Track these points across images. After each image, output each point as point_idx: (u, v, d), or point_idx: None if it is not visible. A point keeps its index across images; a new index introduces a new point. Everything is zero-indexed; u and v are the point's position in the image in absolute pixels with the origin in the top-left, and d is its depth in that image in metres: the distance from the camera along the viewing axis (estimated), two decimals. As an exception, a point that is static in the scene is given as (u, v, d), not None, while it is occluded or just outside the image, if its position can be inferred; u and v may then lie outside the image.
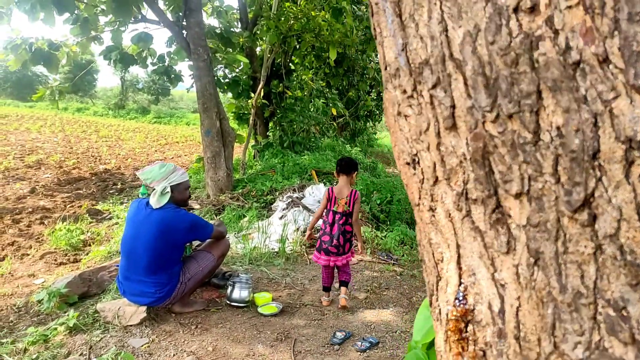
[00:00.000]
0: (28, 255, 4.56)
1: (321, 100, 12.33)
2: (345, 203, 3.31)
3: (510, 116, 0.45)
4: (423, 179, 0.55)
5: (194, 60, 6.95)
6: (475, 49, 0.47)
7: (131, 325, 2.86)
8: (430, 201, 0.54)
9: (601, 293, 0.42)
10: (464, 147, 0.49)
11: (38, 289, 3.73)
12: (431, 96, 0.51)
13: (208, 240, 3.31)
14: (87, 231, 5.24)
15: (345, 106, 14.03)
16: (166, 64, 9.41)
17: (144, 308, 2.92)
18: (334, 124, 13.86)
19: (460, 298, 0.51)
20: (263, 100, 9.85)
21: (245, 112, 10.64)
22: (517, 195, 0.46)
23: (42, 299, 3.13)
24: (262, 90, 9.29)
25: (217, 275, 3.67)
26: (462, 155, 0.49)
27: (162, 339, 2.76)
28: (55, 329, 2.82)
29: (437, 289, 0.57)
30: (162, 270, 2.89)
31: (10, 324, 3.07)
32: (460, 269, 0.52)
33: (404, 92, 0.54)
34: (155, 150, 14.24)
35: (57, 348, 2.63)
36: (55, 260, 4.38)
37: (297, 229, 5.13)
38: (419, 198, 0.56)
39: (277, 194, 6.57)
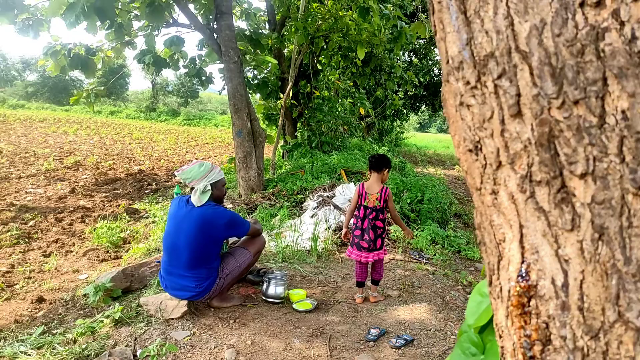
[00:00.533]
0: (72, 252, 4.76)
1: (348, 100, 12.36)
2: (376, 199, 3.35)
3: (576, 102, 0.48)
4: (486, 164, 0.58)
5: (225, 62, 7.09)
6: (542, 41, 0.50)
7: (173, 319, 2.96)
8: (493, 185, 0.58)
9: None
10: (528, 133, 0.52)
11: (82, 283, 3.90)
12: (496, 86, 0.54)
13: (244, 238, 3.40)
14: (126, 229, 5.43)
15: (373, 106, 14.02)
16: (197, 66, 9.62)
17: (185, 302, 3.02)
18: (362, 123, 13.87)
19: (523, 274, 0.55)
20: (292, 101, 9.95)
21: (274, 112, 10.77)
22: (582, 176, 0.49)
23: (89, 293, 3.28)
24: (291, 90, 9.39)
25: (253, 272, 3.76)
26: (527, 140, 0.52)
27: (202, 332, 2.85)
28: (102, 321, 2.95)
29: (498, 268, 0.60)
30: (202, 265, 2.99)
31: (60, 316, 3.23)
32: (522, 247, 0.55)
33: (467, 83, 0.58)
34: (186, 152, 14.56)
35: (104, 339, 2.75)
36: (97, 256, 4.56)
37: (329, 228, 5.18)
38: (481, 182, 0.60)
39: (307, 193, 6.64)
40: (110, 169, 10.05)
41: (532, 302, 0.54)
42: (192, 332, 2.84)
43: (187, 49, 9.56)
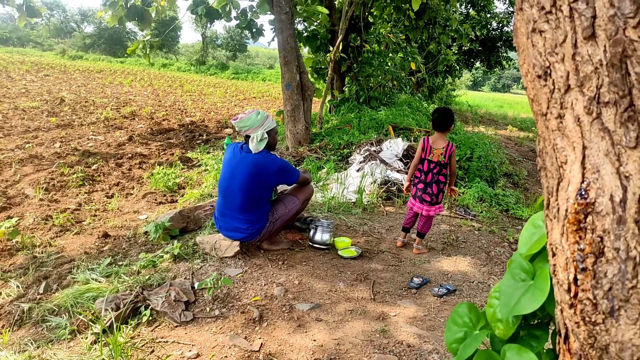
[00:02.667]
0: (131, 194, 5.08)
1: (399, 55, 12.01)
2: (441, 154, 3.36)
3: None
4: (554, 89, 0.60)
5: (276, 14, 7.03)
6: (621, -38, 0.51)
7: (226, 257, 3.16)
8: (560, 109, 0.60)
9: None
10: (600, 54, 0.53)
11: (143, 223, 4.19)
12: (571, 9, 0.55)
13: (294, 186, 3.51)
14: (180, 176, 5.70)
15: (424, 61, 13.56)
16: (248, 18, 9.59)
17: (237, 243, 3.20)
18: (412, 79, 13.50)
19: (583, 193, 0.57)
20: (341, 54, 9.80)
21: (323, 66, 10.67)
22: None
23: (149, 231, 3.53)
24: (340, 44, 9.23)
25: (300, 220, 3.89)
26: (599, 62, 0.54)
27: (253, 271, 3.03)
28: (162, 256, 3.19)
29: (557, 190, 0.63)
30: (254, 209, 3.13)
31: (124, 250, 3.51)
32: (584, 168, 0.58)
33: (542, 8, 0.59)
34: (235, 105, 14.80)
35: (164, 272, 2.98)
36: (155, 199, 4.85)
37: (374, 181, 5.22)
38: (547, 108, 0.62)
39: (354, 147, 6.66)
40: (163, 120, 10.42)
41: (589, 218, 0.57)
42: (244, 270, 3.03)
43: (238, 0, 9.54)
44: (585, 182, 0.58)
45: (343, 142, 6.93)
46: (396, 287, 3.02)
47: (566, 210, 0.61)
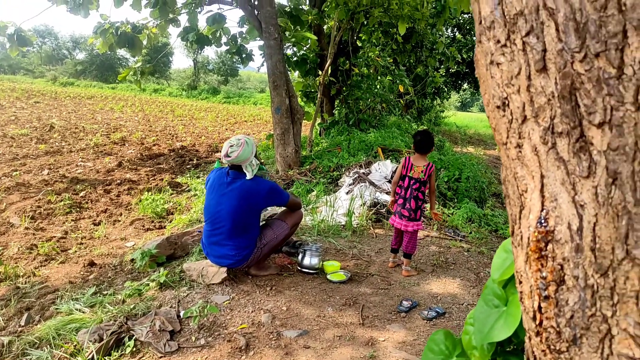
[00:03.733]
0: (119, 221, 5.04)
1: (388, 77, 12.19)
2: (421, 171, 3.47)
3: (597, 55, 0.50)
4: (512, 119, 0.61)
5: (265, 39, 7.14)
6: (567, -1, 0.53)
7: (213, 284, 3.12)
8: (518, 138, 0.61)
9: None
10: (552, 86, 0.55)
11: (129, 250, 4.14)
12: (524, 43, 0.57)
13: (283, 210, 3.49)
14: (169, 201, 5.67)
15: (413, 83, 13.77)
16: (238, 43, 9.72)
17: (224, 269, 3.17)
18: (400, 101, 13.67)
19: (542, 221, 0.58)
20: (330, 78, 9.92)
21: (312, 90, 10.77)
22: (600, 125, 0.52)
23: (136, 258, 3.49)
24: (329, 67, 9.36)
25: (289, 244, 3.87)
26: (551, 93, 0.55)
27: (241, 297, 2.99)
28: (148, 284, 3.14)
29: (519, 218, 0.64)
30: (242, 235, 3.11)
31: (109, 279, 3.45)
32: (543, 196, 0.59)
33: (498, 42, 0.61)
34: (226, 129, 14.85)
35: (150, 301, 2.93)
36: (143, 226, 4.81)
37: (364, 204, 5.22)
38: (507, 137, 0.63)
39: (343, 170, 6.68)
40: (154, 145, 10.42)
41: (549, 246, 0.58)
42: (231, 296, 2.99)
43: (228, 26, 9.69)
44: (544, 211, 0.58)
45: (333, 164, 6.96)
46: (385, 310, 2.99)
47: (528, 238, 0.61)
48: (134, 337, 2.45)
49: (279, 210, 3.83)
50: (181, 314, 2.74)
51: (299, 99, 10.01)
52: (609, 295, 0.52)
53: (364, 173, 6.09)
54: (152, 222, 4.95)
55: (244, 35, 9.37)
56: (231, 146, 3.04)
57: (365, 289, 3.31)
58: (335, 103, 10.78)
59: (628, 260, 0.50)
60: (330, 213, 4.90)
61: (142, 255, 3.43)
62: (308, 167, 7.12)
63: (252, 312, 2.81)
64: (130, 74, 9.95)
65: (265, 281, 3.28)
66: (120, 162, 8.02)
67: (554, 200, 0.57)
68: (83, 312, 2.80)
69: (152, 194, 5.74)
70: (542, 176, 0.58)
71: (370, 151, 7.81)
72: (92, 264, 3.77)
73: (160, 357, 2.34)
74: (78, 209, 5.35)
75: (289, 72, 8.74)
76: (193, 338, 2.52)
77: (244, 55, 9.69)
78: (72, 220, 4.96)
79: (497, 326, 0.78)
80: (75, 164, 7.72)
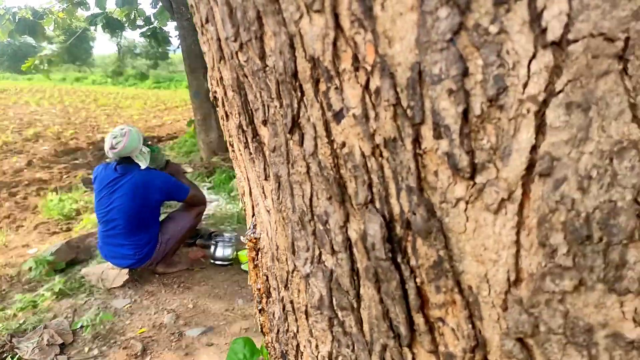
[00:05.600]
0: (23, 226, 4.66)
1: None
2: None
3: (246, 44, 0.43)
4: (222, 115, 0.54)
5: (178, 20, 6.77)
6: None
7: (115, 288, 2.95)
8: (229, 137, 0.54)
9: (315, 209, 0.43)
10: (230, 78, 0.48)
11: (31, 258, 3.84)
12: (205, 31, 0.49)
13: (183, 205, 3.33)
14: (81, 200, 5.32)
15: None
16: (153, 25, 9.20)
17: (126, 271, 3.00)
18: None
19: (252, 228, 0.53)
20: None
21: (238, 71, 10.47)
22: (264, 122, 0.47)
23: (31, 267, 3.22)
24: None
25: (204, 236, 3.73)
26: (230, 86, 0.48)
27: (144, 299, 2.84)
28: (43, 295, 2.92)
29: (246, 222, 0.58)
30: (139, 231, 2.93)
31: (3, 292, 3.17)
32: (252, 200, 0.53)
33: (195, 28, 0.53)
34: (154, 116, 14.19)
35: (44, 312, 2.72)
36: (49, 230, 4.47)
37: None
38: (229, 136, 0.56)
39: (269, 152, 6.56)
40: (71, 139, 9.76)
41: (259, 255, 0.52)
42: (133, 299, 2.83)
43: (143, 8, 9.12)
44: (254, 216, 0.52)
45: (258, 148, 6.81)
46: (297, 296, 2.96)
47: (247, 244, 0.55)
48: (17, 356, 2.26)
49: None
50: (77, 325, 2.56)
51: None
52: (292, 310, 0.47)
53: (287, 155, 6.00)
54: (59, 224, 4.62)
55: (157, 17, 8.87)
56: (115, 137, 2.83)
57: (280, 276, 3.26)
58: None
59: (296, 272, 0.46)
60: (251, 199, 4.79)
61: (37, 264, 3.18)
62: (233, 152, 6.93)
63: (154, 313, 2.68)
64: (37, 63, 9.18)
65: (174, 278, 3.14)
66: (30, 161, 7.43)
67: (257, 205, 0.51)
68: (-35, 334, 2.55)
69: (59, 194, 5.35)
70: (247, 178, 0.52)
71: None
72: (-16, 277, 3.45)
73: (45, 375, 2.18)
74: (-24, 217, 4.89)
75: (208, 54, 8.41)
76: (86, 349, 2.36)
77: (160, 38, 9.20)
78: (-31, 230, 4.52)
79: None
80: (-22, 167, 7.07)
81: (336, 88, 0.40)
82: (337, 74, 0.40)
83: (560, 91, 0.33)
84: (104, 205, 2.92)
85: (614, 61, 0.32)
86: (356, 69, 0.40)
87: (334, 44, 0.40)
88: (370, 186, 0.41)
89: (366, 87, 0.40)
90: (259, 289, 0.52)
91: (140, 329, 2.52)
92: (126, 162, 2.91)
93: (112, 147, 2.82)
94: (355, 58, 0.39)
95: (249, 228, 0.52)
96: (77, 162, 7.67)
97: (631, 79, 0.32)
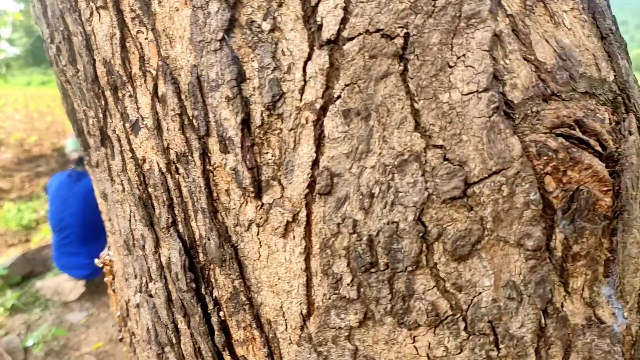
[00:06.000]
0: (-21, 239, 4.48)
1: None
2: None
3: (58, 45, 0.42)
4: None
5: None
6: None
7: (71, 301, 2.84)
8: None
9: (134, 232, 0.39)
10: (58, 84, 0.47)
11: (-13, 272, 3.69)
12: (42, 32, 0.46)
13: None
14: (40, 209, 5.14)
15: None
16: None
17: (82, 283, 2.90)
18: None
19: (108, 249, 0.50)
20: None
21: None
22: (89, 134, 0.43)
23: (-17, 283, 3.09)
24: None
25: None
26: (61, 94, 0.46)
27: (102, 312, 2.75)
28: (-5, 311, 2.80)
29: None
30: (95, 239, 2.83)
31: (-46, 311, 3.04)
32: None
33: None
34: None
35: (-4, 330, 2.61)
36: (6, 242, 4.31)
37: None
38: None
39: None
40: (35, 146, 9.46)
41: (115, 279, 0.49)
42: (90, 312, 2.74)
43: None
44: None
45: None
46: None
47: None
48: (-37, 381, 2.15)
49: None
50: (28, 343, 2.46)
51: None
52: (133, 342, 0.44)
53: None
54: (17, 236, 4.45)
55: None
56: (74, 138, 2.75)
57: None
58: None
59: (131, 301, 0.43)
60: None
61: (-11, 280, 3.04)
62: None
63: (112, 326, 2.59)
64: (-8, 68, 8.86)
65: (134, 286, 3.05)
66: (-10, 171, 7.17)
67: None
68: None
69: (17, 204, 5.16)
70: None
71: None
72: (-64, 296, 3.30)
73: (-8, 398, 2.08)
74: None
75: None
76: (38, 368, 2.27)
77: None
78: None
79: None
80: None
81: (130, 95, 0.36)
82: (129, 79, 0.36)
83: (338, 97, 0.28)
84: (57, 213, 2.81)
85: (393, 61, 0.27)
86: (144, 74, 0.35)
87: (122, 45, 0.35)
88: (171, 207, 0.36)
89: (155, 93, 0.35)
90: (119, 316, 0.48)
91: (95, 344, 2.43)
92: (83, 166, 2.82)
93: (76, 150, 2.78)
94: (142, 61, 0.35)
95: (107, 248, 0.48)
96: (40, 169, 7.42)
97: (413, 80, 0.27)
